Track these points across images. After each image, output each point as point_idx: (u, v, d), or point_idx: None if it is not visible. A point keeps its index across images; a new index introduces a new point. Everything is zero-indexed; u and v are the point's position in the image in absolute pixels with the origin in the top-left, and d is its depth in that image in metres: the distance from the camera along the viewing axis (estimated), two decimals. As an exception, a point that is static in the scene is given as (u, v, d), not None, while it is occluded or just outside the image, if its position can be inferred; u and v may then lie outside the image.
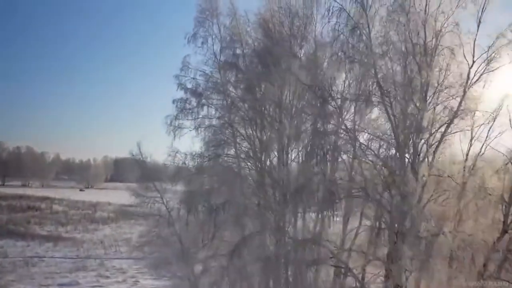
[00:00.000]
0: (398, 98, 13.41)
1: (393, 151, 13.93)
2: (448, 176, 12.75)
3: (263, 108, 22.10)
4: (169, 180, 25.66)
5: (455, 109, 13.21)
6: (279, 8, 21.01)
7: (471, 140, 13.62)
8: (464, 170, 13.43)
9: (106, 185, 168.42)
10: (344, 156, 16.88)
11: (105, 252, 52.40)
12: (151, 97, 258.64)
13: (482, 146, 13.79)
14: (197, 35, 21.64)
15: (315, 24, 21.24)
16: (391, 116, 13.50)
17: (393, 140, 13.71)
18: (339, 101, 15.48)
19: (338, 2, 14.46)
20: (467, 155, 13.82)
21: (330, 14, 14.93)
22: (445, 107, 13.41)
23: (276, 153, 21.75)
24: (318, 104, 16.39)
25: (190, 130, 23.28)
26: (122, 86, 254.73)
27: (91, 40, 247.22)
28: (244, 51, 22.78)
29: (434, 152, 13.36)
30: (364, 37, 14.01)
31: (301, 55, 20.90)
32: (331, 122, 15.96)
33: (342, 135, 14.89)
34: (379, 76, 13.55)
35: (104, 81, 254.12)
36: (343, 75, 17.53)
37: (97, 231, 67.32)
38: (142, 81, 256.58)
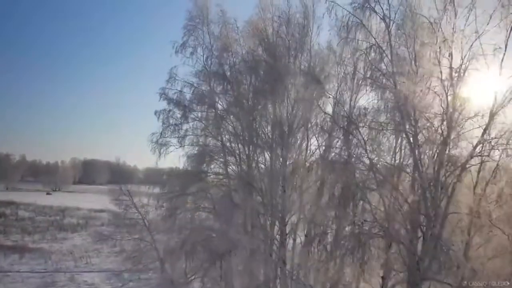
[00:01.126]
0: (421, 125, 12.13)
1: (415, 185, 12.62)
2: (476, 217, 11.42)
3: (255, 124, 20.76)
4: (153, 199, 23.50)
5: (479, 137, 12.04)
6: (277, 18, 19.84)
7: (494, 170, 12.42)
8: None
9: (74, 187, 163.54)
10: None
11: (75, 264, 49.78)
12: (121, 98, 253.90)
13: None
14: (186, 45, 20.09)
15: (311, 34, 20.13)
16: (414, 146, 12.24)
17: (416, 175, 12.41)
18: (365, 132, 14.05)
19: (357, 17, 13.03)
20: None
21: (347, 30, 13.44)
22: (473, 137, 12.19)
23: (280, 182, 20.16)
24: (341, 136, 14.76)
25: (177, 148, 21.85)
26: (91, 84, 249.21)
27: (62, 38, 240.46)
28: (235, 60, 21.43)
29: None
30: (385, 56, 12.68)
31: (299, 67, 19.74)
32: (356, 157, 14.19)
33: (366, 171, 13.46)
34: (399, 99, 12.21)
35: (72, 79, 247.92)
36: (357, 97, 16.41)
37: (66, 240, 64.29)
38: (112, 80, 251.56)
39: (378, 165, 13.35)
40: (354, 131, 13.54)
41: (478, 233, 11.71)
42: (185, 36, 20.23)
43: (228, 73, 21.15)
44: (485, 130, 11.97)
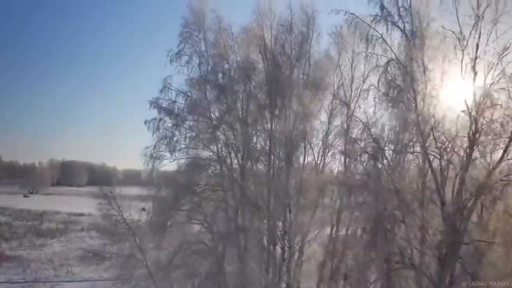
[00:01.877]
0: (443, 149, 11.43)
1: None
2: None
3: (255, 138, 20.03)
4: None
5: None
6: (276, 25, 19.14)
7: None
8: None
9: (52, 189, 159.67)
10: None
11: (56, 273, 47.98)
12: (101, 98, 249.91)
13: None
14: (182, 53, 19.13)
15: (310, 42, 19.50)
16: (435, 172, 11.54)
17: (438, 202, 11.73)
18: (389, 156, 13.31)
19: (377, 32, 12.30)
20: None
21: (367, 44, 12.69)
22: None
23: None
24: (368, 161, 13.91)
25: (171, 162, 20.94)
26: (70, 84, 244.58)
27: (38, 38, 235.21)
28: (230, 68, 20.62)
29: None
30: (406, 72, 11.96)
31: (302, 77, 19.09)
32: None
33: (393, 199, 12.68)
34: (420, 119, 11.52)
35: (50, 79, 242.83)
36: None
37: (45, 246, 62.14)
38: (90, 80, 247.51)
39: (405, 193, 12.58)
40: (380, 156, 12.81)
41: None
42: (181, 44, 19.33)
43: (223, 81, 20.32)
44: (505, 151, 11.39)
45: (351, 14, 12.77)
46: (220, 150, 21.74)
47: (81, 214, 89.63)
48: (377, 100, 13.78)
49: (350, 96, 21.41)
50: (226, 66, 20.33)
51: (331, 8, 14.09)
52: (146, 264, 19.82)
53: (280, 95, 18.43)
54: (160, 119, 21.74)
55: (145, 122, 21.70)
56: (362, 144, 13.94)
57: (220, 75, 20.43)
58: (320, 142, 19.38)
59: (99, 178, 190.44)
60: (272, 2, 19.44)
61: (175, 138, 21.97)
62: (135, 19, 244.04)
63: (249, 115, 20.63)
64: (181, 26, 19.36)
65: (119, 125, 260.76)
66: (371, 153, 13.12)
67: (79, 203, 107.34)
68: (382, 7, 12.39)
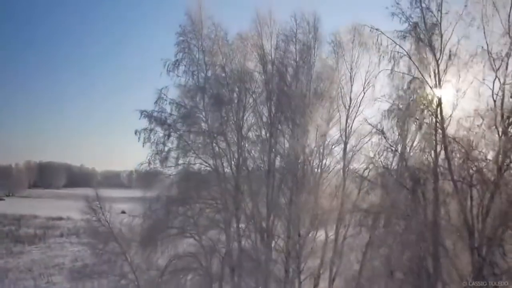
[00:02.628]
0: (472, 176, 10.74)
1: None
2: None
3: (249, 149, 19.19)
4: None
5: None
6: (276, 33, 18.38)
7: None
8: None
9: (29, 192, 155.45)
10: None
11: (35, 283, 46.15)
12: (79, 98, 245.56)
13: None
14: (179, 63, 18.18)
15: (315, 52, 18.84)
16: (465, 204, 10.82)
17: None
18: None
19: (403, 49, 11.56)
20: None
21: (392, 63, 11.94)
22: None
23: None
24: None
25: (166, 177, 19.95)
26: (46, 84, 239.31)
27: (18, 37, 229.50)
28: (227, 77, 19.74)
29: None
30: (433, 93, 11.25)
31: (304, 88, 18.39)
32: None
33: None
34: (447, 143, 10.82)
35: (26, 78, 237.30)
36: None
37: (24, 254, 59.89)
38: (67, 80, 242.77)
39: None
40: (419, 189, 12.09)
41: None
42: (179, 54, 18.39)
43: (221, 91, 19.46)
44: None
45: (376, 29, 12.05)
46: (215, 161, 20.92)
47: (60, 218, 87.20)
48: (396, 119, 13.07)
49: (349, 105, 20.87)
50: (223, 75, 19.48)
51: (330, 14, 13.62)
52: (138, 285, 18.76)
53: (286, 108, 17.74)
54: (151, 129, 20.83)
55: (136, 132, 20.81)
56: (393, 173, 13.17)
57: (217, 84, 19.52)
58: (332, 161, 18.71)
59: (77, 180, 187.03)
60: (273, 10, 18.76)
61: (166, 149, 21.12)
62: (114, 20, 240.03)
63: (246, 127, 19.87)
64: (177, 34, 18.53)
65: (98, 125, 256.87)
66: (409, 186, 12.38)
67: (58, 206, 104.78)
68: (414, 25, 11.55)
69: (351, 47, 20.26)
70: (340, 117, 20.68)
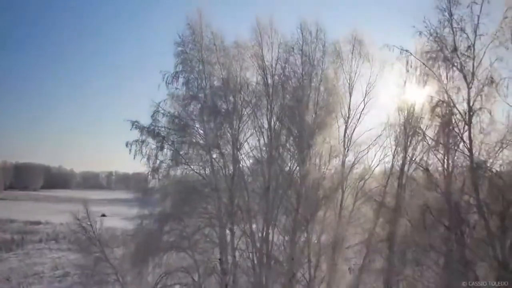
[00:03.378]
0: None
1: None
2: None
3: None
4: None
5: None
6: (279, 44, 17.74)
7: None
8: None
9: (5, 194, 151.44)
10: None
11: (14, 294, 44.56)
12: (57, 98, 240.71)
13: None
14: (178, 75, 17.39)
15: (318, 63, 18.27)
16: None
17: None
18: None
19: (432, 71, 10.98)
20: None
21: (422, 83, 11.35)
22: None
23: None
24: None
25: (158, 190, 19.15)
26: (25, 83, 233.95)
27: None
28: (224, 87, 19.00)
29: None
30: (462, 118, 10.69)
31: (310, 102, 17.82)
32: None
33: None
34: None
35: (6, 77, 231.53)
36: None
37: (0, 262, 57.74)
38: (45, 80, 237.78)
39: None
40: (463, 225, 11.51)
41: None
42: (178, 66, 17.59)
43: (219, 103, 18.75)
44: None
45: (406, 51, 11.52)
46: (210, 175, 20.18)
47: (38, 223, 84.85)
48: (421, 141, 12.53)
49: (348, 116, 20.38)
50: (221, 85, 18.76)
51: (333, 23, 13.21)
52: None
53: (288, 121, 17.13)
54: (143, 141, 19.95)
55: (127, 144, 19.89)
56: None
57: (215, 95, 18.78)
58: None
59: (55, 181, 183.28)
60: (274, 19, 18.11)
61: (158, 161, 20.28)
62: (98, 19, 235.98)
63: (243, 139, 19.20)
64: (176, 44, 17.71)
65: (77, 126, 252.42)
66: (449, 224, 11.83)
67: (36, 209, 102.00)
68: (439, 45, 11.01)
69: (350, 58, 19.81)
70: (339, 128, 20.18)
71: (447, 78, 11.83)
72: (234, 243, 20.69)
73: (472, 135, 10.85)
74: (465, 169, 11.17)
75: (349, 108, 20.34)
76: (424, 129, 13.07)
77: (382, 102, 19.72)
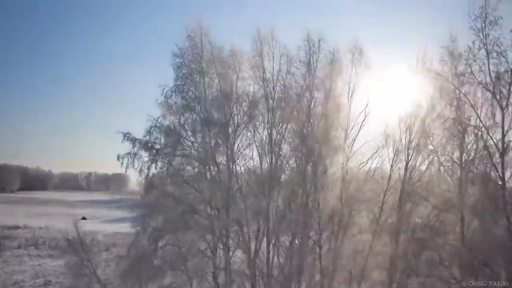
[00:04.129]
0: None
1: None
2: None
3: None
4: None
5: None
6: (280, 55, 17.16)
7: None
8: None
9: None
10: None
11: (-7, 306, 42.86)
12: (35, 96, 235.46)
13: None
14: (179, 89, 16.65)
15: (325, 74, 17.74)
16: None
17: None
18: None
19: (466, 96, 10.39)
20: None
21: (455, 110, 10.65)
22: None
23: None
24: None
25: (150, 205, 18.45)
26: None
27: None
28: (221, 99, 18.28)
29: None
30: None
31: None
32: None
33: None
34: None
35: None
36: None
37: (-22, 270, 55.50)
38: (23, 78, 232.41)
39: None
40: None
41: None
42: (178, 80, 16.82)
43: (218, 116, 18.05)
44: None
45: (438, 74, 11.00)
46: (205, 188, 19.43)
47: (16, 227, 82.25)
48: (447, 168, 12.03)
49: (347, 125, 19.83)
50: (219, 97, 18.05)
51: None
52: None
53: (290, 134, 16.54)
54: (135, 154, 19.07)
55: (118, 158, 19.00)
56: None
57: (213, 107, 18.09)
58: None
59: (33, 182, 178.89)
60: (274, 29, 17.43)
61: (150, 174, 19.46)
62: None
63: (240, 152, 18.54)
64: (175, 56, 16.87)
65: (55, 126, 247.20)
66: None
67: (13, 212, 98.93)
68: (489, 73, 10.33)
69: (350, 67, 19.31)
70: (339, 139, 19.65)
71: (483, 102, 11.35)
72: (229, 259, 20.03)
73: (505, 164, 10.39)
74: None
75: (348, 118, 19.80)
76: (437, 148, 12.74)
77: (382, 113, 19.27)
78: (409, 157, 18.38)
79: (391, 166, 19.77)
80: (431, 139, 16.92)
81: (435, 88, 13.06)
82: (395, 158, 19.65)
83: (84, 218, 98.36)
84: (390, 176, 19.72)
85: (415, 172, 18.63)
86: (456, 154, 14.48)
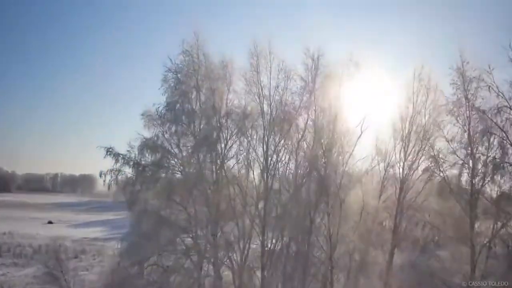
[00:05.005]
0: None
1: None
2: None
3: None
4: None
5: None
6: (278, 70, 16.44)
7: None
8: None
9: None
10: None
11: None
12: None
13: None
14: (172, 106, 15.63)
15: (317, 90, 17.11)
16: None
17: None
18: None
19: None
20: None
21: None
22: None
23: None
24: None
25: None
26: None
27: None
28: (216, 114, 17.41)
29: None
30: None
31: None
32: None
33: None
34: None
35: None
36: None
37: None
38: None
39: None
40: None
41: None
42: (175, 97, 15.82)
43: (208, 134, 17.11)
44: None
45: (478, 109, 10.62)
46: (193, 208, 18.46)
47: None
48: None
49: (342, 143, 19.24)
50: (215, 115, 17.20)
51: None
52: None
53: (291, 156, 15.80)
54: (119, 170, 17.95)
55: (100, 175, 17.92)
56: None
57: (206, 124, 17.19)
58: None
59: None
60: (272, 43, 16.63)
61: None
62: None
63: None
64: (167, 71, 15.87)
65: (19, 125, 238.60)
66: None
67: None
68: None
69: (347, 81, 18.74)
70: (336, 156, 19.03)
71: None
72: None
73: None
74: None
75: (343, 135, 19.20)
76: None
77: (378, 129, 18.86)
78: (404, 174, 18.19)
79: (382, 183, 19.44)
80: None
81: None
82: (386, 174, 19.33)
83: (50, 222, 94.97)
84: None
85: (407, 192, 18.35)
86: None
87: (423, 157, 17.81)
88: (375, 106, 18.53)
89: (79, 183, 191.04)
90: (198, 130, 17.49)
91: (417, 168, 17.94)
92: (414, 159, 18.07)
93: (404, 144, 18.50)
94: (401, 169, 18.51)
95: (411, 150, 17.92)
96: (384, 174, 19.31)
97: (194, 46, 16.86)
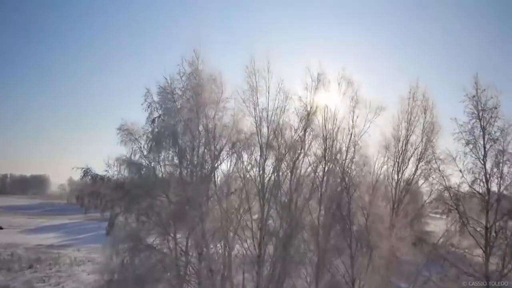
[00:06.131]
0: None
1: None
2: None
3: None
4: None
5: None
6: (277, 90, 15.54)
7: None
8: None
9: None
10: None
11: None
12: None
13: None
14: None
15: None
16: None
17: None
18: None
19: None
20: None
21: None
22: None
23: None
24: None
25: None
26: None
27: None
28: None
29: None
30: None
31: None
32: None
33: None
34: None
35: None
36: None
37: None
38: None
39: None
40: None
41: None
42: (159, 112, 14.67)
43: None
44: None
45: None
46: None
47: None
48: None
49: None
50: (206, 134, 15.93)
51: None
52: None
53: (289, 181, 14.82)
54: (98, 193, 16.35)
55: (77, 198, 16.33)
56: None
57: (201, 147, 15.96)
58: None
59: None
60: (271, 60, 15.53)
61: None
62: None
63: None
64: (160, 97, 14.51)
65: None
66: None
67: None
68: None
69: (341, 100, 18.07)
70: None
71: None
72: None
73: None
74: None
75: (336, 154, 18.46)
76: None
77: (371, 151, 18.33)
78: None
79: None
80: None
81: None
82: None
83: (0, 228, 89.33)
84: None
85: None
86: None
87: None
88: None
89: (30, 184, 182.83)
90: (185, 150, 16.17)
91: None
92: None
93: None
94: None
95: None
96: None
97: (189, 61, 15.64)
